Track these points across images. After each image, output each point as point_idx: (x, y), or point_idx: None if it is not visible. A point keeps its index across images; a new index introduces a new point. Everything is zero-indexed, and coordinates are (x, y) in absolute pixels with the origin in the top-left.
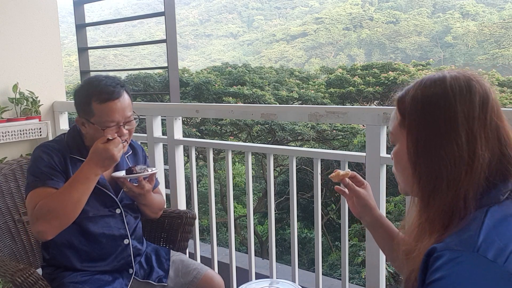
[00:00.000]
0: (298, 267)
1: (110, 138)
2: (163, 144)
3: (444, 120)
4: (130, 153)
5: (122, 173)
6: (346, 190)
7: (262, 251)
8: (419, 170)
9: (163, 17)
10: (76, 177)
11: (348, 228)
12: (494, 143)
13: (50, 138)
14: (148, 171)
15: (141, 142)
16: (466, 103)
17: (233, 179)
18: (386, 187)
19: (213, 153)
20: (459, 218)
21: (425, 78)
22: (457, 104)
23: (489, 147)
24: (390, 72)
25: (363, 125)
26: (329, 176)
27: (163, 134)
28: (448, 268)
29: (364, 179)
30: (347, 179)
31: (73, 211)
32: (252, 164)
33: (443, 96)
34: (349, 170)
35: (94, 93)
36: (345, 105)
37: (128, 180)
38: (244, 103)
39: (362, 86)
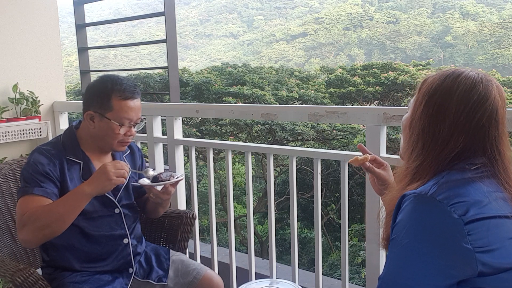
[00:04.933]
0: (298, 267)
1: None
2: (163, 144)
3: (438, 106)
4: (128, 152)
5: (148, 181)
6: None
7: (262, 251)
8: (409, 135)
9: (163, 17)
10: (69, 193)
11: (348, 228)
12: (474, 137)
13: (50, 138)
14: (174, 177)
15: (141, 142)
16: (463, 100)
17: (233, 179)
18: None
19: (213, 153)
20: (428, 176)
21: (455, 70)
22: (454, 98)
23: (467, 138)
24: (390, 72)
25: (363, 125)
26: (349, 161)
27: (163, 134)
28: (407, 205)
29: (365, 178)
30: (367, 163)
31: (58, 226)
32: (252, 164)
33: (448, 89)
34: (368, 154)
35: (117, 89)
36: (345, 105)
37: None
38: (244, 103)
39: (362, 86)
